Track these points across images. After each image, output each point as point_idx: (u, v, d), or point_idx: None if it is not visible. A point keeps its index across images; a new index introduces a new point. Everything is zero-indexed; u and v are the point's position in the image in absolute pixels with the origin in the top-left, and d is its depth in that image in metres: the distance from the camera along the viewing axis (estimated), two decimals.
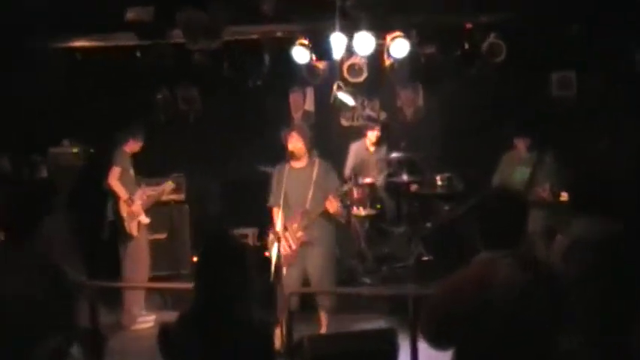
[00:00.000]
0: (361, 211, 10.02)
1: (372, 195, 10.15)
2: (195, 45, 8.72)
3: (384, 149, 10.57)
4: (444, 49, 9.34)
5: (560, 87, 10.43)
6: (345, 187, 8.09)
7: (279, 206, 7.57)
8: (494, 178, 8.92)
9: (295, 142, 7.51)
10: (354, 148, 10.59)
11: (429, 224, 10.29)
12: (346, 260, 9.85)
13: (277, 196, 7.60)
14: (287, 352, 6.36)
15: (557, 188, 8.24)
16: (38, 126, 9.80)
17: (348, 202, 9.73)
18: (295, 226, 7.45)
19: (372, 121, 11.04)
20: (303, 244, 7.45)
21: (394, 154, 10.31)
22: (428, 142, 10.78)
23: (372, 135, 10.48)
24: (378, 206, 10.27)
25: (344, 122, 11.77)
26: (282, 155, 7.66)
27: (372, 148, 10.55)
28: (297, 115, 11.49)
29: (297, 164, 7.59)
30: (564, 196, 8.01)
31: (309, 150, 7.58)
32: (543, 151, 8.76)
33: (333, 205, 7.35)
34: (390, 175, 10.41)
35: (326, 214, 7.45)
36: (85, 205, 9.27)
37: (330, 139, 10.58)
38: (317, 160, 7.60)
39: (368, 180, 10.14)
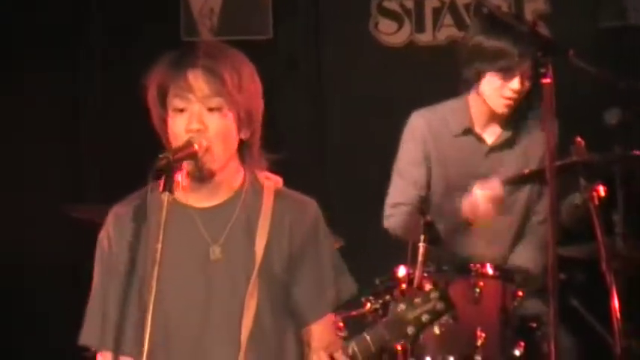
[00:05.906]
0: None
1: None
2: None
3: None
4: None
5: None
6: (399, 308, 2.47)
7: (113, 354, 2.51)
8: None
9: (193, 111, 2.44)
10: (422, 136, 3.99)
11: None
12: None
13: (109, 327, 2.51)
14: None
15: None
16: None
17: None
18: None
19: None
20: None
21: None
22: None
23: (513, 85, 3.78)
24: None
25: (384, 36, 4.95)
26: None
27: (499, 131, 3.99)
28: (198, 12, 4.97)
29: (198, 196, 2.55)
30: None
31: (249, 148, 2.57)
32: None
33: None
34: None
35: None
36: None
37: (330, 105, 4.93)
38: (270, 193, 2.58)
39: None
